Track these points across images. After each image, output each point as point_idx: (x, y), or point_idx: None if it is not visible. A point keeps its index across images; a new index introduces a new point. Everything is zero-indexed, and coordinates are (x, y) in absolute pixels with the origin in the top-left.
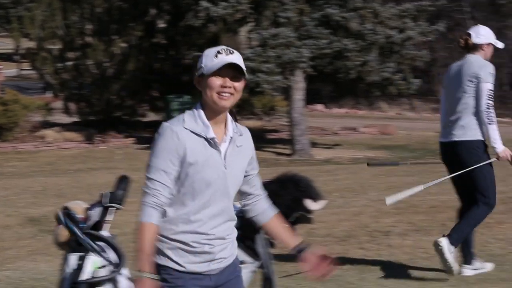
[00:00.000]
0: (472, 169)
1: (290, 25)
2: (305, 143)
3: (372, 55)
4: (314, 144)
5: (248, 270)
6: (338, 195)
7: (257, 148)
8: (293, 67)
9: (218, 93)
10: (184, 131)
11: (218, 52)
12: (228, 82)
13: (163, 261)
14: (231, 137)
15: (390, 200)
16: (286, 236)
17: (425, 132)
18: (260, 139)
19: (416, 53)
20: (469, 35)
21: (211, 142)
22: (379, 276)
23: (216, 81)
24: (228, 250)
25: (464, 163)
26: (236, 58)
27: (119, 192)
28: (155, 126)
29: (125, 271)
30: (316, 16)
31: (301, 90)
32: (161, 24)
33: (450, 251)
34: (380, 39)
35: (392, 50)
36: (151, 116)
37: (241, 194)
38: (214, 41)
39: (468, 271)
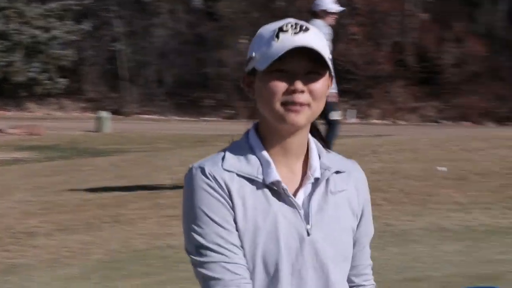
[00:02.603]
0: None
1: None
2: None
3: (17, 55)
4: None
5: None
6: None
7: None
8: None
9: (285, 103)
10: (225, 175)
11: (280, 30)
12: (299, 84)
13: None
14: (317, 178)
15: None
16: None
17: (74, 132)
18: None
19: (61, 52)
20: None
21: (275, 189)
22: (23, 278)
23: (278, 83)
24: None
25: None
26: (313, 37)
27: None
28: None
29: None
30: None
31: None
32: None
33: None
34: (25, 39)
35: (38, 50)
36: None
37: None
38: None
39: None
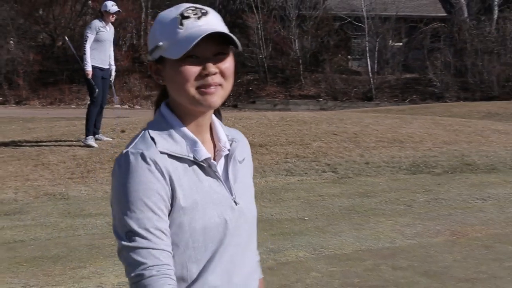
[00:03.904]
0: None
1: None
2: None
3: None
4: None
5: None
6: None
7: None
8: None
9: (199, 87)
10: (162, 158)
11: (183, 17)
12: (211, 66)
13: None
14: (229, 150)
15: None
16: None
17: None
18: None
19: None
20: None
21: (204, 166)
22: None
23: (191, 69)
24: None
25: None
26: (215, 20)
27: None
28: None
29: None
30: None
31: None
32: None
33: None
34: None
35: None
36: None
37: None
38: None
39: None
